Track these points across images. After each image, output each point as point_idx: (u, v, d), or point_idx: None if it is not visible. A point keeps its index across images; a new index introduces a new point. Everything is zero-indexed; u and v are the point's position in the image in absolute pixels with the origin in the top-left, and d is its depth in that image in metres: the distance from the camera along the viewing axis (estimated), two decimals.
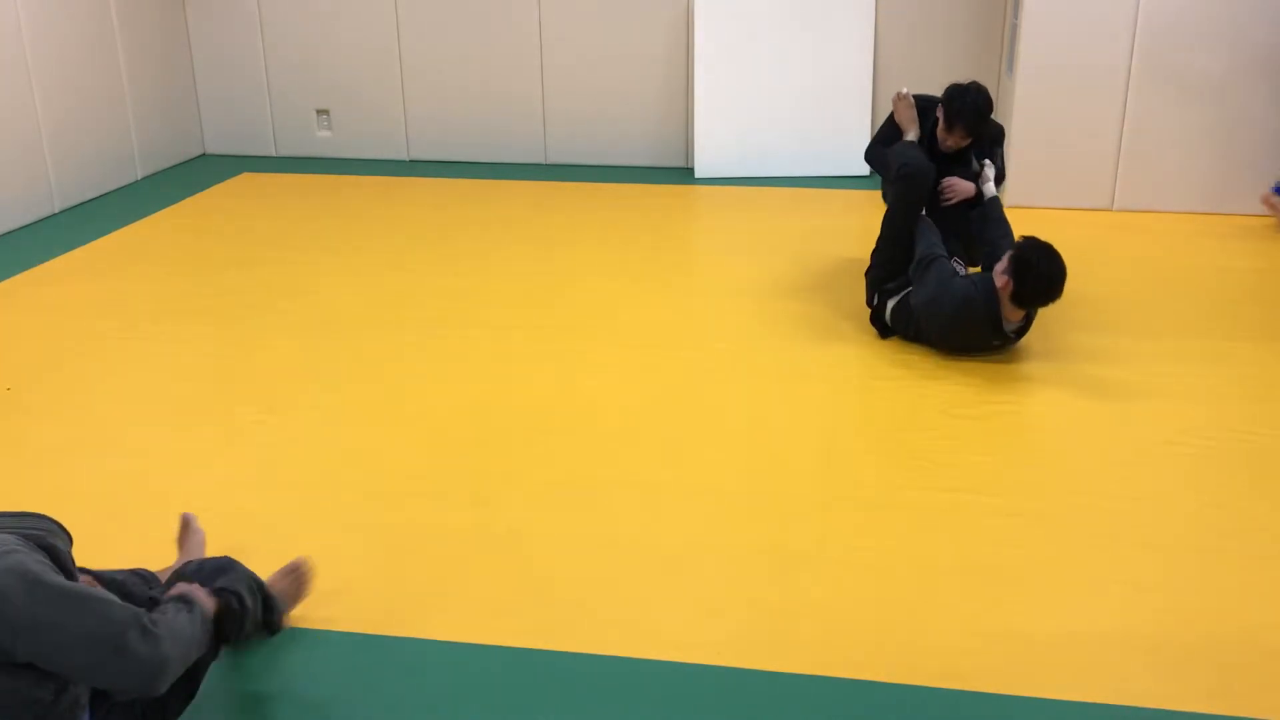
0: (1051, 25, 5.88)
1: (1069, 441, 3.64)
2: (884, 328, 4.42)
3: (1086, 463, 3.49)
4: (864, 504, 3.25)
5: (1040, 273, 3.96)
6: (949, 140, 4.53)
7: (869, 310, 4.53)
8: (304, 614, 2.73)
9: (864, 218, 5.70)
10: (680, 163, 7.18)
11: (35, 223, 6.03)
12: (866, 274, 4.59)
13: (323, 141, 7.50)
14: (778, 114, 6.82)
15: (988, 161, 4.62)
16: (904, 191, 4.46)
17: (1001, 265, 4.05)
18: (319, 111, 7.44)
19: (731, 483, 3.37)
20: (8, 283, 5.10)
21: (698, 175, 6.91)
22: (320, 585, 2.88)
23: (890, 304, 4.40)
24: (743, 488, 3.34)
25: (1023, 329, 4.21)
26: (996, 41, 6.62)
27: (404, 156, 7.43)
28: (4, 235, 5.81)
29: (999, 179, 4.62)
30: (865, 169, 6.84)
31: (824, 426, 3.75)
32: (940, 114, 4.51)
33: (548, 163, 7.30)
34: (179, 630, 2.00)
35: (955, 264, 4.37)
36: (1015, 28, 6.16)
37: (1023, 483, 3.37)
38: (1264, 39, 5.73)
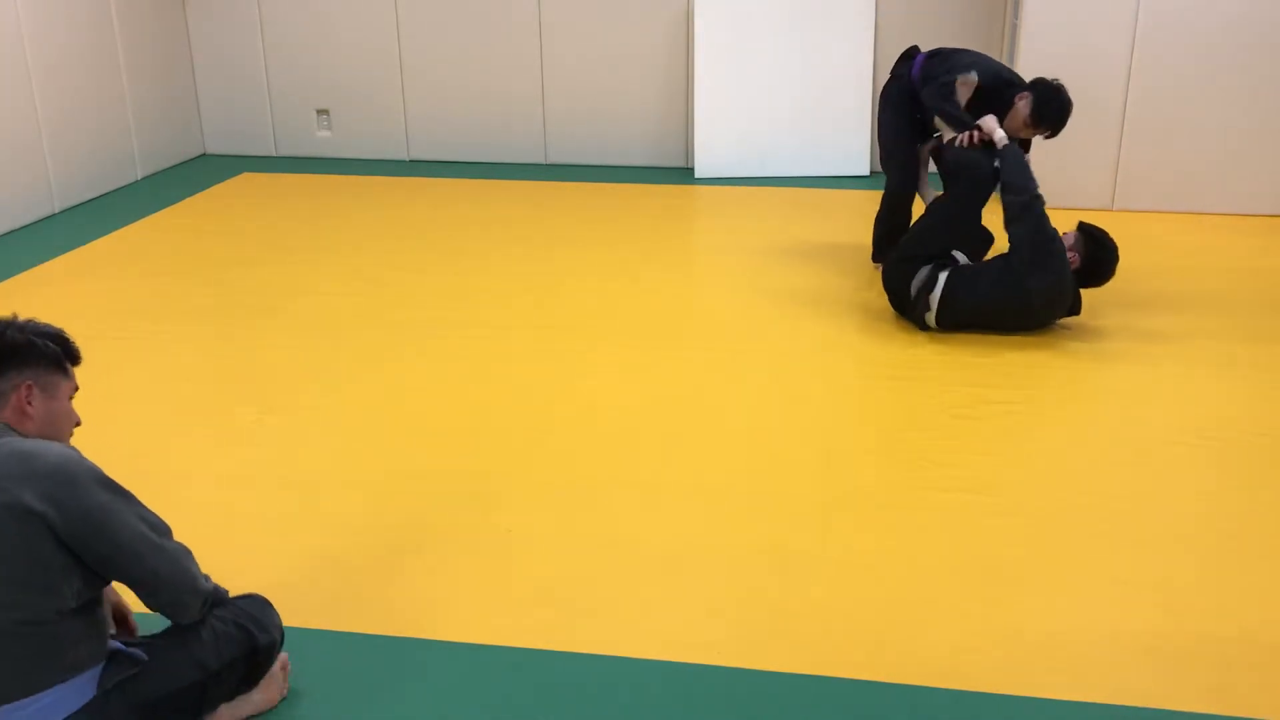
0: (1051, 25, 5.88)
1: (1069, 441, 3.64)
2: (924, 313, 4.38)
3: (1086, 463, 3.49)
4: (864, 504, 3.25)
5: (1111, 252, 4.30)
6: (1025, 132, 4.62)
7: (895, 295, 4.50)
8: (305, 615, 2.74)
9: (864, 218, 5.70)
10: (680, 163, 7.18)
11: (35, 223, 6.03)
12: (898, 262, 4.51)
13: (323, 141, 7.50)
14: (778, 114, 6.82)
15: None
16: (972, 192, 4.49)
17: (1068, 242, 4.29)
18: (319, 111, 7.44)
19: (731, 483, 3.37)
20: (8, 283, 5.10)
21: (698, 175, 6.91)
22: (321, 585, 2.89)
23: (942, 279, 4.33)
24: (743, 488, 3.34)
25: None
26: (997, 41, 6.62)
27: (404, 156, 7.43)
28: (4, 235, 5.81)
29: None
30: (865, 169, 6.85)
31: (824, 426, 3.75)
32: (1026, 106, 4.54)
33: (548, 163, 7.30)
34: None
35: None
36: (1015, 28, 6.17)
37: (1023, 483, 3.37)
38: (1265, 38, 5.74)
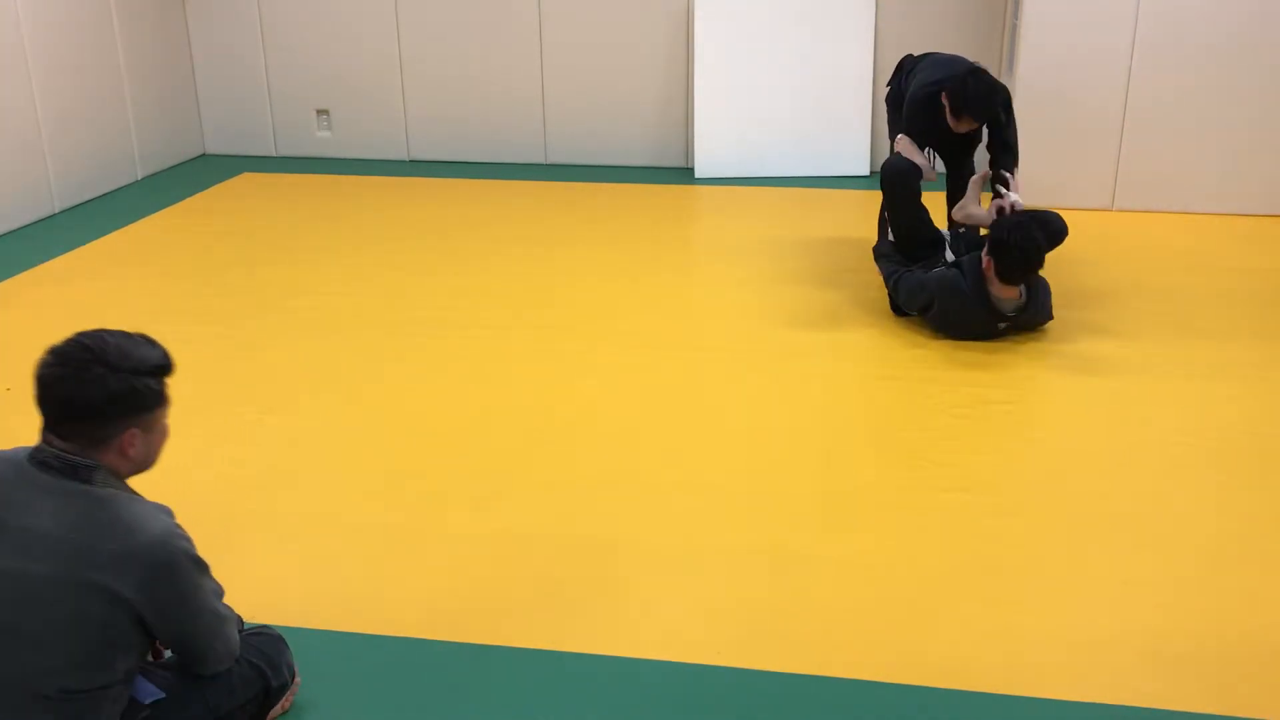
0: (1051, 25, 5.88)
1: (1069, 442, 3.64)
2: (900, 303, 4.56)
3: (1087, 462, 3.49)
4: (864, 504, 3.25)
5: (1014, 246, 4.12)
6: (961, 127, 4.56)
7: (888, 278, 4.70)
8: (305, 615, 2.74)
9: (863, 218, 5.70)
10: (680, 163, 7.17)
11: (35, 223, 6.03)
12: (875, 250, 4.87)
13: (323, 141, 7.50)
14: (778, 114, 6.82)
15: (1010, 176, 4.57)
16: (893, 194, 4.66)
17: (986, 247, 4.24)
18: (319, 111, 7.44)
19: (731, 483, 3.37)
20: (8, 283, 5.10)
21: (698, 175, 6.91)
22: (321, 585, 2.89)
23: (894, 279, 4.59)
24: (743, 488, 3.34)
25: (1026, 307, 4.27)
26: (997, 41, 6.62)
27: (404, 156, 7.43)
28: (4, 235, 5.81)
29: (1012, 148, 4.67)
30: (865, 169, 6.85)
31: (824, 426, 3.75)
32: (946, 101, 4.50)
33: (548, 163, 7.30)
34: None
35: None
36: (1015, 27, 6.16)
37: (1023, 483, 3.37)
38: (1265, 38, 5.74)
